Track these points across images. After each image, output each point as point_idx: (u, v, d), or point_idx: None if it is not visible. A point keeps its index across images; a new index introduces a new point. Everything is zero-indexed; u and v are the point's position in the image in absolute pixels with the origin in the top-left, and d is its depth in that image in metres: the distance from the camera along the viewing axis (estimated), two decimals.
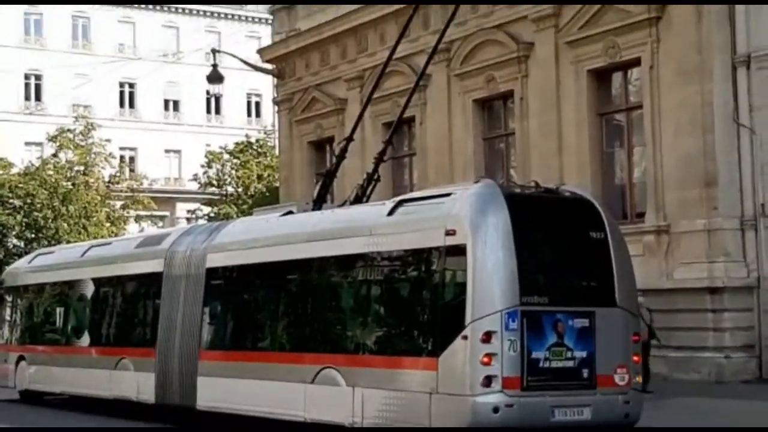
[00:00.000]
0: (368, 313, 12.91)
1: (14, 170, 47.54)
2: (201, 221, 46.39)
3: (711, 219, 20.27)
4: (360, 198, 15.24)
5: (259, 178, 48.84)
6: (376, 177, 15.46)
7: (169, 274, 16.73)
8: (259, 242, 15.05)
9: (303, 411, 13.42)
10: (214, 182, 50.20)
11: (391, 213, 12.90)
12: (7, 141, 52.91)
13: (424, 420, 11.59)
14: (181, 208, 57.79)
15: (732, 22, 20.31)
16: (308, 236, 14.07)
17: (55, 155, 48.32)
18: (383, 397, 12.20)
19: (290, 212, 15.48)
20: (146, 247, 17.99)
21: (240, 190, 49.00)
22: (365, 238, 12.96)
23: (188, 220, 52.24)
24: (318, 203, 15.61)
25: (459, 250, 11.59)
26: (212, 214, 48.41)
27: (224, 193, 49.46)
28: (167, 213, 58.38)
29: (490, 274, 11.37)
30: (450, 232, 11.70)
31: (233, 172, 49.54)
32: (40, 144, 53.55)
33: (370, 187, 15.36)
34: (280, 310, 14.44)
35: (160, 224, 54.51)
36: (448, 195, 12.24)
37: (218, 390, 15.12)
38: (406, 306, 12.55)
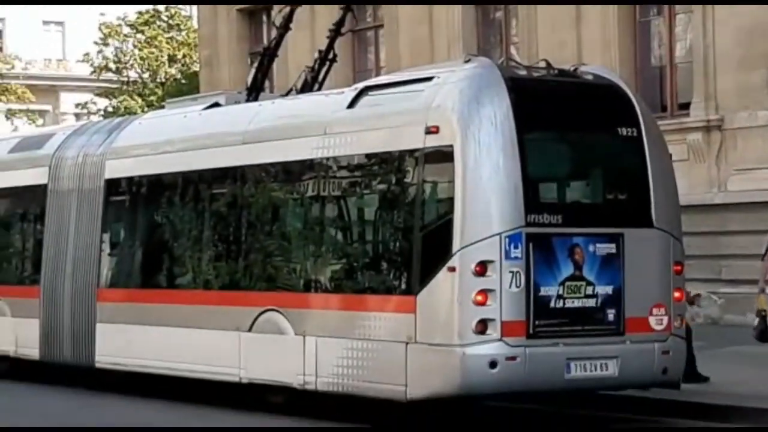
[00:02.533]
0: (323, 239, 13.01)
1: None
2: (95, 118, 46.09)
3: None
4: (310, 85, 15.22)
5: (171, 59, 48.40)
6: (331, 56, 15.40)
7: (56, 187, 16.71)
8: (176, 145, 15.03)
9: (238, 368, 13.58)
10: (112, 65, 49.69)
11: (352, 105, 12.91)
12: None
13: (397, 378, 11.77)
14: (68, 101, 57.30)
15: None
16: (242, 137, 14.07)
17: None
18: (343, 349, 12.37)
19: (216, 104, 15.45)
20: (24, 151, 17.93)
21: (146, 75, 48.59)
22: (318, 139, 12.98)
23: (78, 116, 51.81)
24: (253, 92, 15.59)
25: (444, 154, 11.64)
26: (110, 109, 48.04)
27: (125, 79, 49.02)
28: (49, 107, 57.90)
29: (486, 186, 11.45)
30: (431, 130, 11.74)
31: (136, 51, 49.04)
32: None
33: (324, 70, 15.32)
34: (206, 234, 14.49)
35: (41, 122, 54.10)
36: (428, 80, 12.25)
37: (124, 342, 15.24)
38: (372, 228, 12.67)
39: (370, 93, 12.91)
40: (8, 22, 58.92)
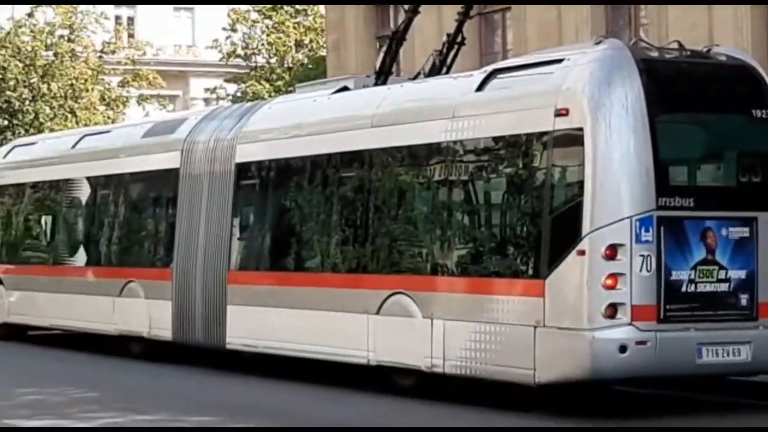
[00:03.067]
0: (450, 222, 13.01)
1: None
2: (223, 103, 46.62)
3: None
4: (438, 68, 15.20)
5: (298, 44, 48.71)
6: (459, 40, 15.37)
7: (188, 171, 16.96)
8: (305, 129, 15.15)
9: (366, 350, 13.67)
10: (240, 51, 50.19)
11: (480, 88, 12.88)
12: None
13: (525, 362, 11.74)
14: (197, 86, 57.99)
15: None
16: (370, 120, 14.12)
17: (30, 15, 48.65)
18: (471, 332, 12.37)
19: (345, 88, 15.53)
20: (157, 136, 18.23)
21: (273, 61, 48.98)
22: (446, 122, 12.99)
23: (207, 101, 52.48)
24: (381, 76, 15.63)
25: (573, 137, 11.57)
26: (238, 94, 48.54)
27: (253, 65, 49.48)
28: (179, 92, 58.66)
29: (616, 169, 11.37)
30: (561, 112, 11.67)
31: (264, 37, 49.45)
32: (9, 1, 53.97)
33: (452, 54, 15.30)
34: (334, 218, 14.58)
35: (171, 107, 54.86)
36: (558, 62, 12.18)
37: (254, 324, 15.42)
38: (500, 212, 12.64)
39: (498, 76, 12.87)
40: (140, 9, 59.83)
